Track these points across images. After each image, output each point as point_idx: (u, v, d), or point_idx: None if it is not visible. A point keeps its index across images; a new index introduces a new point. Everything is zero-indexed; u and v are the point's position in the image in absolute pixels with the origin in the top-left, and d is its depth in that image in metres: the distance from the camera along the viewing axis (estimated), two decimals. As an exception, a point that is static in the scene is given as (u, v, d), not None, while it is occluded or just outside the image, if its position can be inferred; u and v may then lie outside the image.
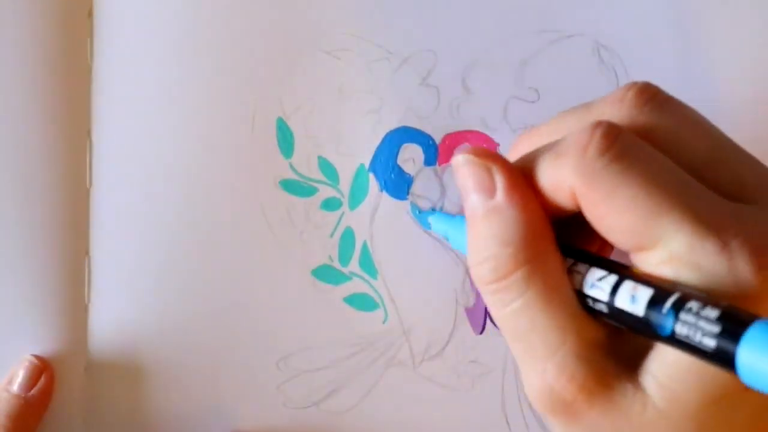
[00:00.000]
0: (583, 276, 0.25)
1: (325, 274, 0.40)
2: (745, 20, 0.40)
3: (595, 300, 0.25)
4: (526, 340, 0.26)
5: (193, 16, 0.39)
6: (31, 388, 0.37)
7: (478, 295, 0.40)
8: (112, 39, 0.39)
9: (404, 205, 0.40)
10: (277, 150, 0.39)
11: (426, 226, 0.38)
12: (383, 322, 0.40)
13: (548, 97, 0.40)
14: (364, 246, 0.40)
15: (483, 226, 0.26)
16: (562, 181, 0.25)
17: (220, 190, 0.39)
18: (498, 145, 0.40)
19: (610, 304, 0.24)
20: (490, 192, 0.26)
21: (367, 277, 0.40)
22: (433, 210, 0.37)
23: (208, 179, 0.39)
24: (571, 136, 0.25)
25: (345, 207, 0.40)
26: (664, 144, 0.25)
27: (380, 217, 0.40)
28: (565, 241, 0.27)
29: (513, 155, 0.29)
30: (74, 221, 0.39)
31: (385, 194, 0.40)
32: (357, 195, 0.40)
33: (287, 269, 0.39)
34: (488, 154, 0.27)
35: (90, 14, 0.39)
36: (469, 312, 0.40)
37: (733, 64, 0.41)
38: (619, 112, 0.26)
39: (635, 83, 0.27)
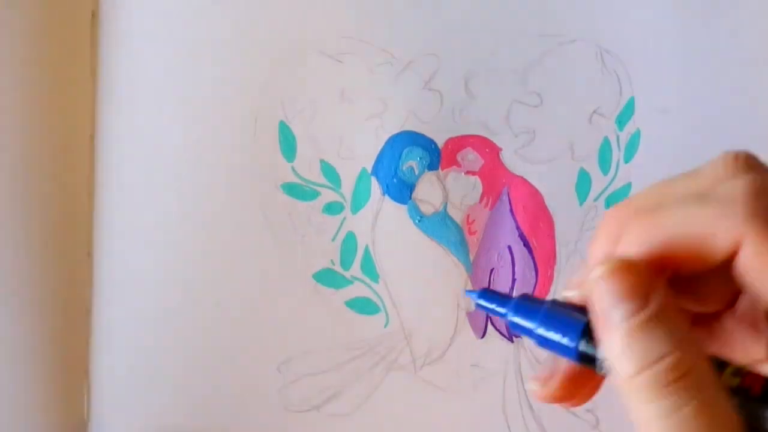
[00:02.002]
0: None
1: (326, 277, 0.40)
2: (747, 25, 0.40)
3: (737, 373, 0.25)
4: None
5: (196, 21, 0.39)
6: None
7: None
8: (115, 41, 0.39)
9: (406, 210, 0.40)
10: (279, 153, 0.39)
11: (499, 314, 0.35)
12: (384, 326, 0.40)
13: (551, 101, 0.40)
14: (366, 250, 0.40)
15: (645, 334, 0.25)
16: (719, 230, 0.24)
17: (222, 193, 0.39)
18: (500, 149, 0.40)
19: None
20: (645, 299, 0.25)
21: (368, 281, 0.40)
22: (499, 300, 0.34)
23: (210, 181, 0.39)
24: (736, 182, 0.25)
25: (347, 211, 0.40)
26: None
27: (382, 221, 0.40)
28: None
29: (605, 232, 0.28)
30: (77, 221, 0.39)
31: (387, 198, 0.40)
32: (359, 199, 0.40)
33: (289, 273, 0.39)
34: (631, 262, 0.26)
35: (94, 15, 0.39)
36: (471, 316, 0.40)
37: (736, 68, 0.41)
38: (733, 173, 0.26)
39: (738, 152, 0.26)
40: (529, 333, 0.30)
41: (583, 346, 0.28)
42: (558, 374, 0.30)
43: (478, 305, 0.32)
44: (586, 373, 0.30)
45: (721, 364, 0.25)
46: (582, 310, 0.27)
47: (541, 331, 0.30)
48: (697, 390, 0.24)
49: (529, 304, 0.31)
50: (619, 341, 0.25)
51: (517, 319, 0.31)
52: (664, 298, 0.25)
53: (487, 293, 0.32)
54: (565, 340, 0.29)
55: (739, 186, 0.25)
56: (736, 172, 0.26)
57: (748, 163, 0.26)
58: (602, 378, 0.30)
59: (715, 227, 0.25)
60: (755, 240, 0.24)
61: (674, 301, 0.25)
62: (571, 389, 0.30)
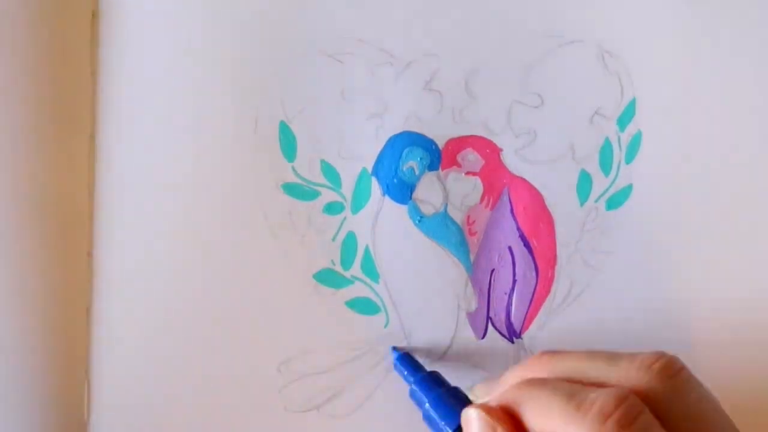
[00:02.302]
0: None
1: (326, 277, 0.40)
2: (750, 26, 0.40)
3: None
4: None
5: (196, 21, 0.39)
6: None
7: (479, 300, 0.40)
8: (116, 41, 0.39)
9: (407, 210, 0.40)
10: (279, 153, 0.39)
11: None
12: (385, 327, 0.40)
13: (552, 102, 0.40)
14: (366, 250, 0.40)
15: None
16: None
17: (222, 193, 0.39)
18: (501, 149, 0.40)
19: None
20: None
21: (368, 281, 0.40)
22: (412, 368, 0.39)
23: (209, 181, 0.39)
24: (597, 397, 0.27)
25: (347, 211, 0.40)
26: (678, 419, 0.27)
27: (382, 221, 0.40)
28: None
29: (523, 371, 0.31)
30: (77, 221, 0.39)
31: (387, 198, 0.40)
32: (359, 199, 0.40)
33: (289, 273, 0.39)
34: (494, 411, 0.29)
35: (94, 15, 0.39)
36: (471, 317, 0.40)
37: (738, 69, 0.40)
38: (643, 379, 0.28)
39: (663, 355, 0.29)
40: (421, 405, 0.36)
41: None
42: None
43: (394, 366, 0.38)
44: None
45: None
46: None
47: (429, 408, 0.35)
48: None
49: (432, 383, 0.36)
50: None
51: (416, 389, 0.36)
52: None
53: (406, 358, 0.38)
54: (442, 425, 0.34)
55: (599, 400, 0.27)
56: (633, 379, 0.28)
57: (662, 372, 0.28)
58: None
59: (563, 431, 0.27)
60: None
61: None
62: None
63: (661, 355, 0.28)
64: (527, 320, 0.40)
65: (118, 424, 0.39)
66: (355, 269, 0.40)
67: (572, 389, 0.28)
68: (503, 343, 0.40)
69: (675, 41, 0.40)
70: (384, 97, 0.39)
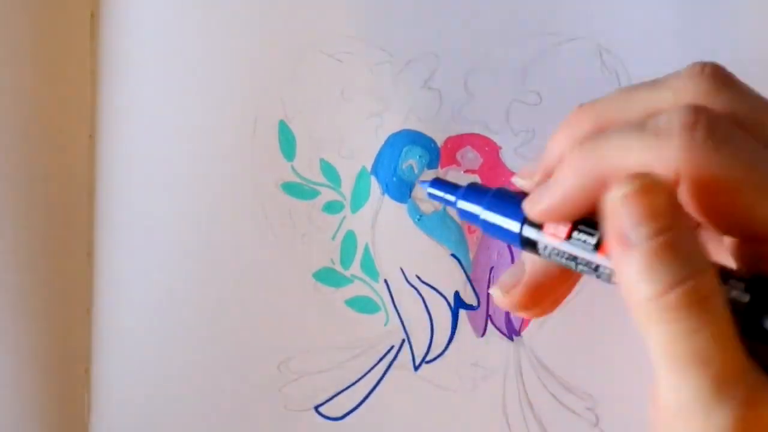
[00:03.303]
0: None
1: (326, 276, 0.40)
2: (747, 24, 0.40)
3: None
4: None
5: (195, 20, 0.39)
6: None
7: (479, 298, 0.40)
8: (115, 41, 0.39)
9: (406, 209, 0.40)
10: (278, 153, 0.39)
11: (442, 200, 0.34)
12: (384, 325, 0.40)
13: (550, 100, 0.40)
14: (366, 249, 0.40)
15: (667, 255, 0.24)
16: (660, 162, 0.24)
17: (221, 193, 0.39)
18: (500, 147, 0.40)
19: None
20: (669, 222, 0.24)
21: (368, 279, 0.40)
22: (449, 188, 0.32)
23: (209, 181, 0.39)
24: (671, 117, 0.24)
25: (347, 210, 0.40)
26: (745, 126, 0.25)
27: (382, 220, 0.40)
28: None
29: (566, 131, 0.28)
30: (77, 221, 0.39)
31: (387, 197, 0.40)
32: (359, 198, 0.40)
33: (289, 272, 0.39)
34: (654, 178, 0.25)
35: (93, 15, 0.39)
36: (470, 315, 0.40)
37: (736, 67, 0.40)
38: (696, 89, 0.26)
39: (706, 63, 0.26)
40: (475, 219, 0.30)
41: (526, 231, 0.28)
42: (522, 282, 0.30)
43: (430, 194, 0.32)
44: (550, 281, 0.29)
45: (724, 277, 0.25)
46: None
47: (486, 215, 0.30)
48: (712, 315, 0.24)
49: (477, 191, 0.31)
50: (638, 262, 0.24)
51: (464, 205, 0.31)
52: (687, 222, 0.24)
53: (439, 182, 0.32)
54: (508, 224, 0.29)
55: (676, 118, 0.24)
56: (689, 92, 0.25)
57: (713, 78, 0.26)
58: (568, 287, 0.30)
59: (649, 162, 0.24)
60: (689, 179, 0.24)
61: (693, 226, 0.25)
62: (536, 297, 0.30)
63: (703, 63, 0.26)
64: (526, 318, 0.40)
65: (118, 423, 0.39)
66: (355, 268, 0.40)
67: (638, 123, 0.25)
68: (503, 341, 0.40)
69: (673, 39, 0.40)
70: (383, 95, 0.39)
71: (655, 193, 0.24)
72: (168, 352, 0.39)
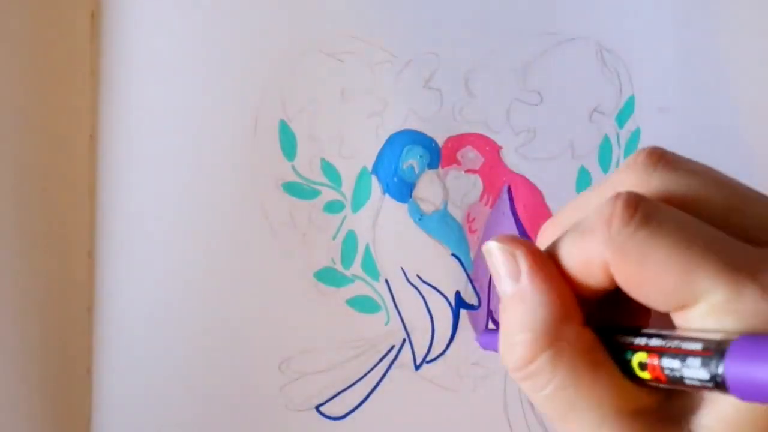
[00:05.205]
0: (627, 347, 0.25)
1: (327, 276, 0.40)
2: (748, 23, 0.40)
3: (642, 367, 0.25)
4: (566, 421, 0.25)
5: (196, 20, 0.39)
6: None
7: (480, 298, 0.40)
8: (115, 41, 0.39)
9: (407, 208, 0.40)
10: (279, 152, 0.39)
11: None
12: (385, 325, 0.40)
13: (551, 99, 0.40)
14: (367, 249, 0.40)
15: (510, 312, 0.26)
16: (593, 257, 0.25)
17: (222, 193, 0.39)
18: (500, 147, 0.40)
19: (662, 368, 0.24)
20: (516, 277, 0.26)
21: (369, 279, 0.40)
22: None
23: (210, 181, 0.39)
24: (594, 211, 0.25)
25: (347, 210, 0.40)
26: (681, 202, 0.26)
27: (383, 219, 0.40)
28: (609, 320, 0.27)
29: (541, 241, 0.30)
30: (77, 221, 0.39)
31: (387, 197, 0.40)
32: (360, 198, 0.40)
33: (289, 272, 0.39)
34: (514, 240, 0.27)
35: (93, 16, 0.39)
36: (471, 315, 0.40)
37: (736, 67, 0.41)
38: (632, 179, 0.27)
39: (643, 149, 0.27)
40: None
41: None
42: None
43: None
44: None
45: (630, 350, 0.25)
46: None
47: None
48: (555, 370, 0.25)
49: None
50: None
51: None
52: (531, 278, 0.26)
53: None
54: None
55: (596, 213, 0.25)
56: (624, 184, 0.26)
57: (646, 164, 0.27)
58: None
59: (585, 259, 0.25)
60: (614, 264, 0.24)
61: (549, 281, 0.26)
62: None
63: (640, 151, 0.27)
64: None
65: (120, 422, 0.39)
66: (356, 268, 0.40)
67: (575, 226, 0.26)
68: (504, 340, 0.40)
69: (673, 38, 0.40)
70: (384, 95, 0.39)
71: (503, 252, 0.27)
72: (169, 352, 0.39)
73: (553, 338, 0.25)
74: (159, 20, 0.39)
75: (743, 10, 0.40)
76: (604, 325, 0.26)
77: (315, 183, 0.40)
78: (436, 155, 0.40)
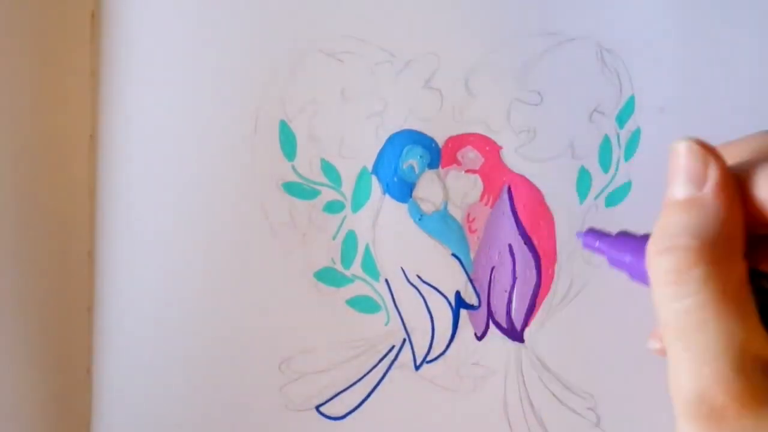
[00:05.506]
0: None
1: (327, 276, 0.40)
2: (748, 23, 0.40)
3: None
4: (690, 340, 0.25)
5: (196, 21, 0.39)
6: None
7: (480, 298, 0.40)
8: (115, 41, 0.39)
9: (407, 208, 0.40)
10: (279, 152, 0.39)
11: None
12: (385, 325, 0.40)
13: (551, 99, 0.40)
14: (367, 249, 0.40)
15: (679, 214, 0.26)
16: None
17: (222, 192, 0.39)
18: (501, 147, 0.40)
19: None
20: (700, 183, 0.26)
21: (369, 279, 0.40)
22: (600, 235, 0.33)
23: (210, 181, 0.39)
24: None
25: (348, 210, 0.40)
26: None
27: (383, 219, 0.40)
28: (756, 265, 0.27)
29: (723, 153, 0.29)
30: (77, 221, 0.39)
31: (387, 197, 0.40)
32: (360, 198, 0.40)
33: (289, 271, 0.39)
34: (708, 147, 0.26)
35: (93, 16, 0.39)
36: (471, 315, 0.40)
37: (736, 66, 0.41)
38: None
39: None
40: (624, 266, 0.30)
41: None
42: None
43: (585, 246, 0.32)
44: None
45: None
46: None
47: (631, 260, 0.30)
48: (705, 286, 0.25)
49: (624, 241, 0.31)
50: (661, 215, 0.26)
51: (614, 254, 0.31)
52: (717, 191, 0.25)
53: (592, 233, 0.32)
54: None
55: None
56: None
57: None
58: None
59: None
60: None
61: (732, 200, 0.25)
62: None
63: None
64: (527, 317, 0.40)
65: (120, 423, 0.39)
66: (356, 268, 0.40)
67: None
68: (503, 340, 0.40)
69: (673, 38, 0.40)
70: (384, 95, 0.39)
71: (695, 155, 0.26)
72: (169, 352, 0.39)
73: (718, 256, 0.25)
74: (159, 20, 0.39)
75: (743, 10, 0.40)
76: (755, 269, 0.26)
77: (315, 183, 0.40)
78: (436, 155, 0.40)
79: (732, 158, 0.27)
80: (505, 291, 0.40)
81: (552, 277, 0.40)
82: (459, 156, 0.40)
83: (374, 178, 0.40)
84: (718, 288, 0.25)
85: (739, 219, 0.26)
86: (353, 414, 0.40)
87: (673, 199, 0.26)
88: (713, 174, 0.26)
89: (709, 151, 0.26)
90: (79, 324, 0.39)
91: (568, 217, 0.40)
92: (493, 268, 0.40)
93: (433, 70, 0.39)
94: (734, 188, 0.26)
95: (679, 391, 0.25)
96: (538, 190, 0.40)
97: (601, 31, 0.40)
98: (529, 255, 0.40)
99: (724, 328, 0.25)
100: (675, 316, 0.25)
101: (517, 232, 0.40)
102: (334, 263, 0.40)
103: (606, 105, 0.40)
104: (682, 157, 0.26)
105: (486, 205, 0.40)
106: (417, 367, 0.40)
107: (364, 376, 0.40)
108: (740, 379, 0.24)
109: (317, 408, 0.40)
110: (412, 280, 0.40)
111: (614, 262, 0.31)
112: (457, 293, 0.40)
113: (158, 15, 0.39)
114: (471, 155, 0.40)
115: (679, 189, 0.26)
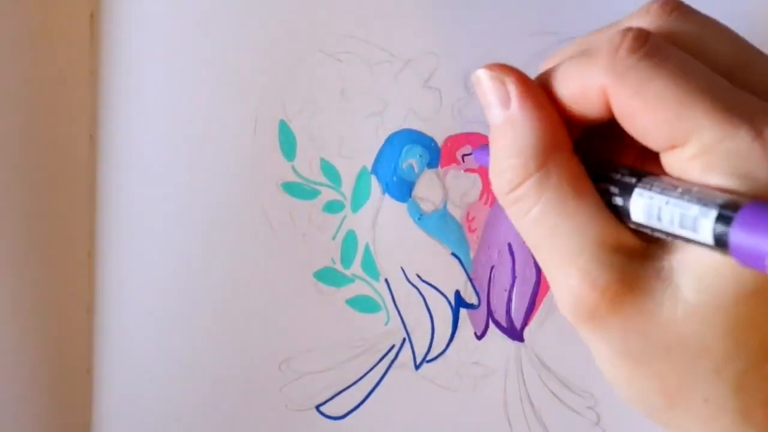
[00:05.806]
0: (612, 182, 0.26)
1: (327, 276, 0.40)
2: (747, 24, 0.40)
3: (622, 207, 0.25)
4: (548, 247, 0.26)
5: (195, 20, 0.39)
6: None
7: (480, 297, 0.40)
8: (115, 42, 0.39)
9: (406, 208, 0.40)
10: (279, 152, 0.39)
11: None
12: (385, 324, 0.40)
13: (550, 99, 0.40)
14: (367, 248, 0.40)
15: (500, 139, 0.27)
16: (593, 82, 0.25)
17: (222, 193, 0.39)
18: (500, 147, 0.40)
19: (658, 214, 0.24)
20: (506, 104, 0.26)
21: (369, 279, 0.40)
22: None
23: (209, 181, 0.39)
24: (602, 40, 0.26)
25: (347, 209, 0.40)
26: (690, 48, 0.26)
27: (382, 219, 0.40)
28: (600, 156, 0.27)
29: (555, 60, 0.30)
30: (77, 221, 0.39)
31: (387, 197, 0.40)
32: (359, 197, 0.40)
33: (289, 272, 0.40)
34: (503, 67, 0.27)
35: (93, 16, 0.39)
36: (471, 314, 0.40)
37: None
38: (645, 22, 0.27)
39: None
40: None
41: None
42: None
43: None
44: None
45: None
46: None
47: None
48: (542, 193, 0.26)
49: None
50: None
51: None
52: (521, 104, 0.26)
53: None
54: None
55: (606, 40, 0.25)
56: (640, 21, 0.27)
57: (663, 7, 0.27)
58: None
59: (583, 82, 0.26)
60: (612, 91, 0.25)
61: (539, 106, 0.26)
62: None
63: (653, 0, 0.27)
64: (527, 317, 0.40)
65: (120, 422, 0.39)
66: (356, 268, 0.40)
67: (581, 50, 0.27)
68: (503, 339, 0.40)
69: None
70: (383, 95, 0.39)
71: (493, 79, 0.27)
72: (169, 352, 0.39)
73: (541, 163, 0.26)
74: (158, 20, 0.39)
75: (742, 9, 0.40)
76: (596, 161, 0.26)
77: (315, 183, 0.40)
78: (436, 155, 0.40)
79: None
80: (505, 290, 0.40)
81: (552, 277, 0.40)
82: (458, 155, 0.40)
83: (374, 178, 0.40)
84: (554, 191, 0.25)
85: (554, 122, 0.26)
86: (353, 414, 0.40)
87: (491, 127, 0.27)
88: (512, 90, 0.26)
89: (504, 69, 0.27)
90: (79, 324, 0.39)
91: (568, 216, 0.40)
92: (492, 267, 0.40)
93: (433, 70, 0.39)
94: (539, 96, 0.26)
95: (561, 302, 0.26)
96: (537, 190, 0.40)
97: (600, 30, 0.40)
98: (528, 254, 0.40)
99: (574, 226, 0.25)
100: (528, 230, 0.26)
101: (516, 231, 0.40)
102: (334, 263, 0.40)
103: (605, 104, 0.40)
104: (484, 83, 0.27)
105: (485, 204, 0.40)
106: (417, 367, 0.40)
107: (364, 375, 0.40)
108: (606, 272, 0.25)
109: (317, 408, 0.40)
110: (411, 280, 0.40)
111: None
112: (457, 292, 0.40)
113: (158, 15, 0.39)
114: (470, 155, 0.40)
115: (491, 114, 0.27)
